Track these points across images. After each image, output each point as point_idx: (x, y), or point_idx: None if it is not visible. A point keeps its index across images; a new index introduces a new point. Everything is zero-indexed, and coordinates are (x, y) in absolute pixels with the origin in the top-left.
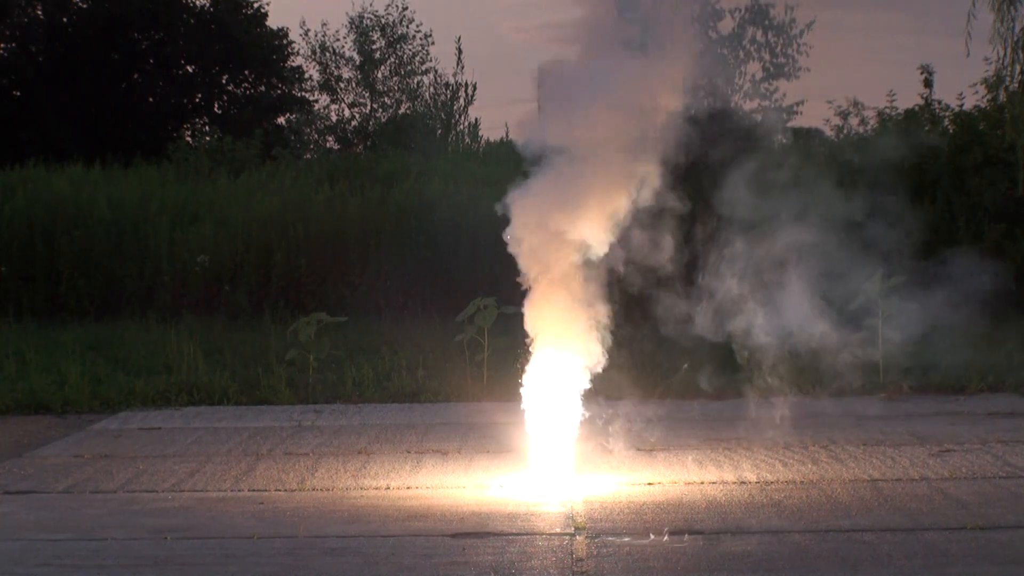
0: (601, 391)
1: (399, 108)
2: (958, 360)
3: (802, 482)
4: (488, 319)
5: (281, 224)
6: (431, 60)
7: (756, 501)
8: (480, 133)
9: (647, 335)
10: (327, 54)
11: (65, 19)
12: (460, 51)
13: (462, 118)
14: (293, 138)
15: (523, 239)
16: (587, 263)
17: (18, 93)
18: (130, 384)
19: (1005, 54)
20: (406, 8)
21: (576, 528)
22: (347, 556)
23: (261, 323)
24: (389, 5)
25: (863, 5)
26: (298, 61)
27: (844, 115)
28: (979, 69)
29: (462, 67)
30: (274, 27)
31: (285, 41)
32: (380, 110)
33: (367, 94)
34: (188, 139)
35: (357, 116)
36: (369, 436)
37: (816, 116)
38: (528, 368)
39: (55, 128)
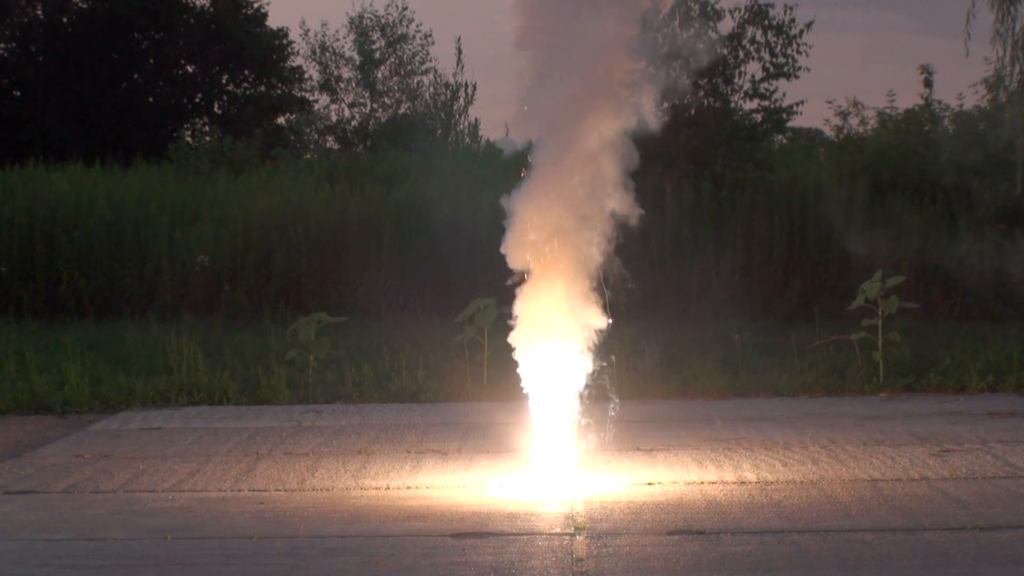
0: (602, 390)
1: (399, 108)
2: (958, 360)
3: (802, 482)
4: (488, 319)
5: (281, 224)
6: (431, 60)
7: (756, 501)
8: (480, 133)
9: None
10: (327, 54)
11: (65, 19)
12: (460, 51)
13: (462, 118)
14: (293, 138)
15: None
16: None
17: (18, 93)
18: (130, 384)
19: (1005, 54)
20: (406, 8)
21: (576, 528)
22: (347, 556)
23: (261, 323)
24: (389, 5)
25: (863, 5)
26: (298, 61)
27: (844, 115)
28: (979, 69)
29: (462, 67)
30: (274, 27)
31: (285, 41)
32: (380, 110)
33: (367, 94)
34: (188, 139)
35: (357, 116)
36: (369, 436)
37: (816, 116)
38: (526, 365)
39: (55, 128)
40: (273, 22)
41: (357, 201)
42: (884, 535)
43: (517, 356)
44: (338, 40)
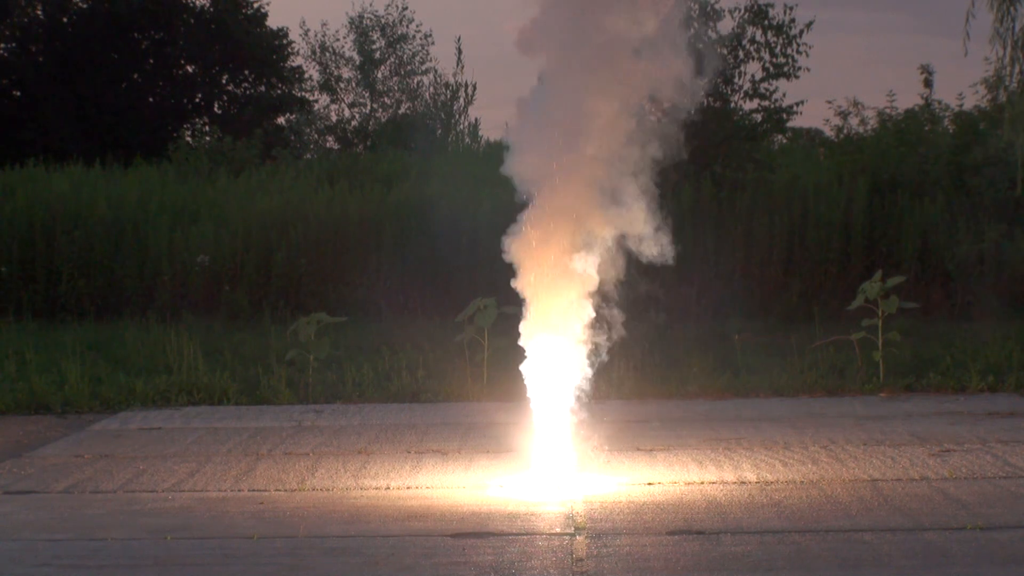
0: (602, 390)
1: (399, 108)
2: (958, 360)
3: (802, 482)
4: (488, 319)
5: (281, 224)
6: (431, 60)
7: (756, 501)
8: (480, 133)
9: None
10: (327, 54)
11: (65, 19)
12: (460, 51)
13: (462, 118)
14: (293, 138)
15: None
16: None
17: (18, 93)
18: (130, 384)
19: (1005, 54)
20: (406, 8)
21: (576, 528)
22: (347, 556)
23: (261, 323)
24: (389, 5)
25: (863, 5)
26: (298, 61)
27: (844, 115)
28: (979, 69)
29: (462, 67)
30: (274, 27)
31: (285, 41)
32: (380, 110)
33: (367, 94)
34: (188, 139)
35: (357, 116)
36: (369, 436)
37: (816, 116)
38: (528, 365)
39: (55, 128)
40: (273, 22)
41: (357, 201)
42: (884, 535)
43: (521, 347)
44: (338, 40)
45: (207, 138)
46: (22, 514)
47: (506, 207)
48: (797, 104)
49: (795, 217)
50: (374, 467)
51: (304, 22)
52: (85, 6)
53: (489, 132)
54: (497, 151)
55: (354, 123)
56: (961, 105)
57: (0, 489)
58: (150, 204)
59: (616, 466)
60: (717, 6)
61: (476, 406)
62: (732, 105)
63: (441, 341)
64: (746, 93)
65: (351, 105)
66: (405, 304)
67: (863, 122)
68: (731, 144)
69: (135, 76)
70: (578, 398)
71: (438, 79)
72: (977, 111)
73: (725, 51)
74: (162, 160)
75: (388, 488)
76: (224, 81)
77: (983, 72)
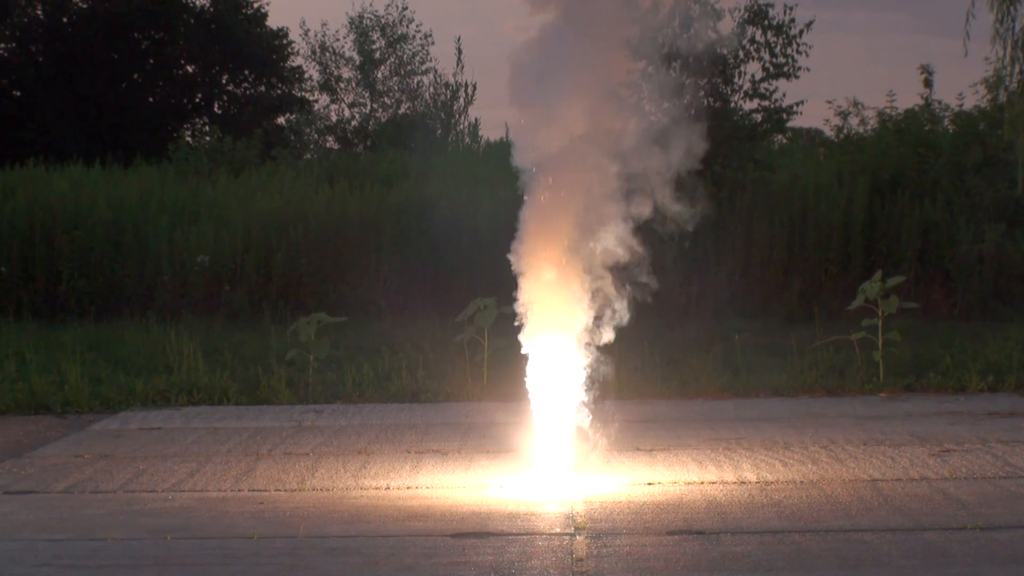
0: (602, 390)
1: (399, 108)
2: (958, 360)
3: (802, 482)
4: (488, 319)
5: (281, 224)
6: (431, 60)
7: (756, 501)
8: (480, 133)
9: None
10: (327, 54)
11: (65, 19)
12: (460, 51)
13: (462, 118)
14: (293, 138)
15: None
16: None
17: (18, 93)
18: (130, 384)
19: (1005, 54)
20: (406, 8)
21: (576, 528)
22: (347, 556)
23: (261, 323)
24: (389, 5)
25: (863, 5)
26: (298, 61)
27: (844, 115)
28: (979, 69)
29: (462, 67)
30: (274, 27)
31: (285, 41)
32: (380, 110)
33: (367, 94)
34: (188, 139)
35: (357, 116)
36: (369, 436)
37: (816, 116)
38: (527, 365)
39: (55, 128)
40: (273, 22)
41: (357, 201)
42: (884, 535)
43: (524, 351)
44: (338, 40)
45: (207, 138)
46: (22, 514)
47: (506, 207)
48: (797, 104)
49: (795, 217)
50: (374, 467)
51: (304, 22)
52: (85, 6)
53: (489, 132)
54: (497, 151)
55: (354, 123)
56: (961, 105)
57: (0, 489)
58: (150, 204)
59: (616, 466)
60: (717, 6)
61: (476, 406)
62: (732, 105)
63: (441, 341)
64: (746, 93)
65: (351, 105)
66: (405, 304)
67: (863, 122)
68: (731, 144)
69: (135, 76)
70: (578, 398)
71: (438, 79)
72: (977, 111)
73: (725, 51)
74: (162, 160)
75: (388, 488)
76: (224, 81)
77: (983, 72)
